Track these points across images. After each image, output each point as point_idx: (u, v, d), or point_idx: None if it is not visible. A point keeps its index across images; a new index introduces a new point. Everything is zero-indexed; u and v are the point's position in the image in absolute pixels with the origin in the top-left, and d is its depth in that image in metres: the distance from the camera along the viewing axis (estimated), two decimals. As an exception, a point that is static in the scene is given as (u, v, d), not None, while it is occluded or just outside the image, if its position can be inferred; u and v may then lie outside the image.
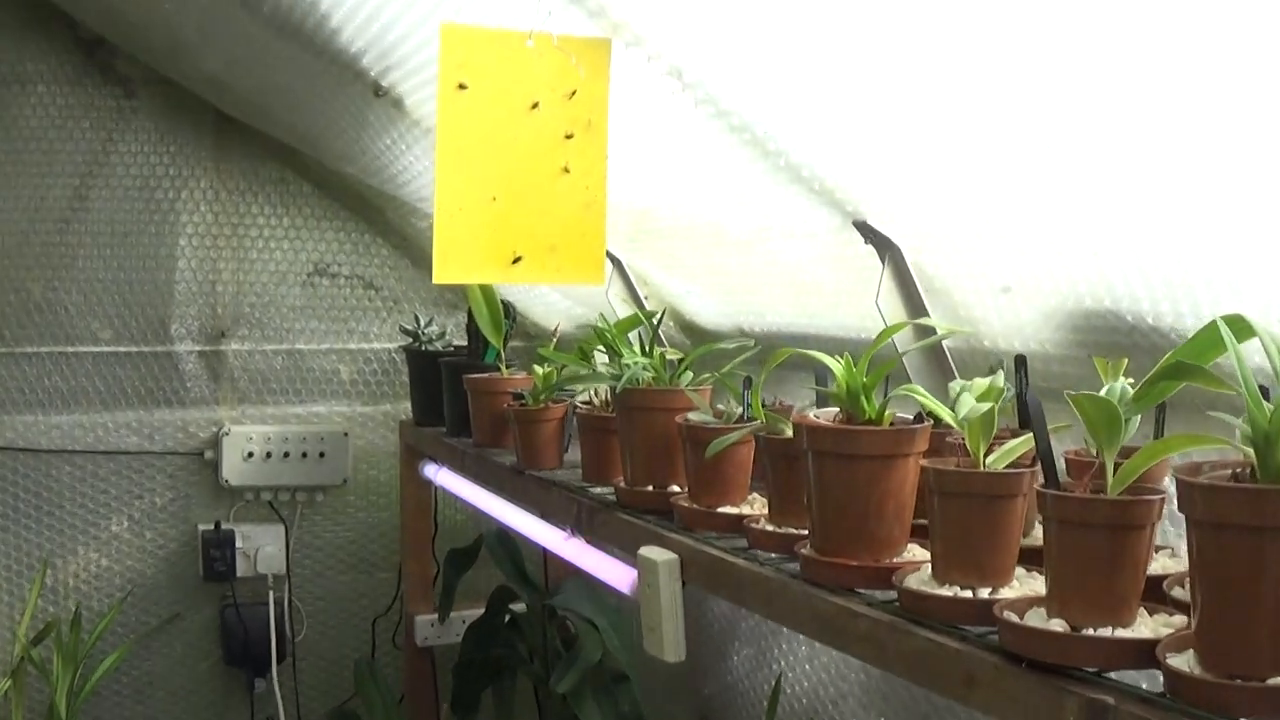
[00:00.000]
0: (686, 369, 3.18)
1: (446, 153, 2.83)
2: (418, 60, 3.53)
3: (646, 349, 3.22)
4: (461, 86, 2.83)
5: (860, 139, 2.51)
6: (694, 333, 4.16)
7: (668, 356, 3.25)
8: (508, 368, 4.22)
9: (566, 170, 2.94)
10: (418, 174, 4.53)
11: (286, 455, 5.70)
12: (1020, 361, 2.30)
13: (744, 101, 2.67)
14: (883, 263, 2.82)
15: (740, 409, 2.92)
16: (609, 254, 3.91)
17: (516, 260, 2.94)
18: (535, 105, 2.90)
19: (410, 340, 4.96)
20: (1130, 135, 1.98)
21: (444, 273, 2.86)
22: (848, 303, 3.16)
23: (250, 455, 5.65)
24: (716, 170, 3.05)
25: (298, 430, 5.74)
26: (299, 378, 5.84)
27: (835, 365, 2.41)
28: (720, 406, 2.98)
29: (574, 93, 2.89)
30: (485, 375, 4.24)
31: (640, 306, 4.15)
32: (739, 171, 2.96)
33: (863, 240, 2.82)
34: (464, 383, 4.22)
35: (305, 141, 5.40)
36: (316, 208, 5.79)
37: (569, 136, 2.93)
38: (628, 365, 3.13)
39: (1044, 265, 2.46)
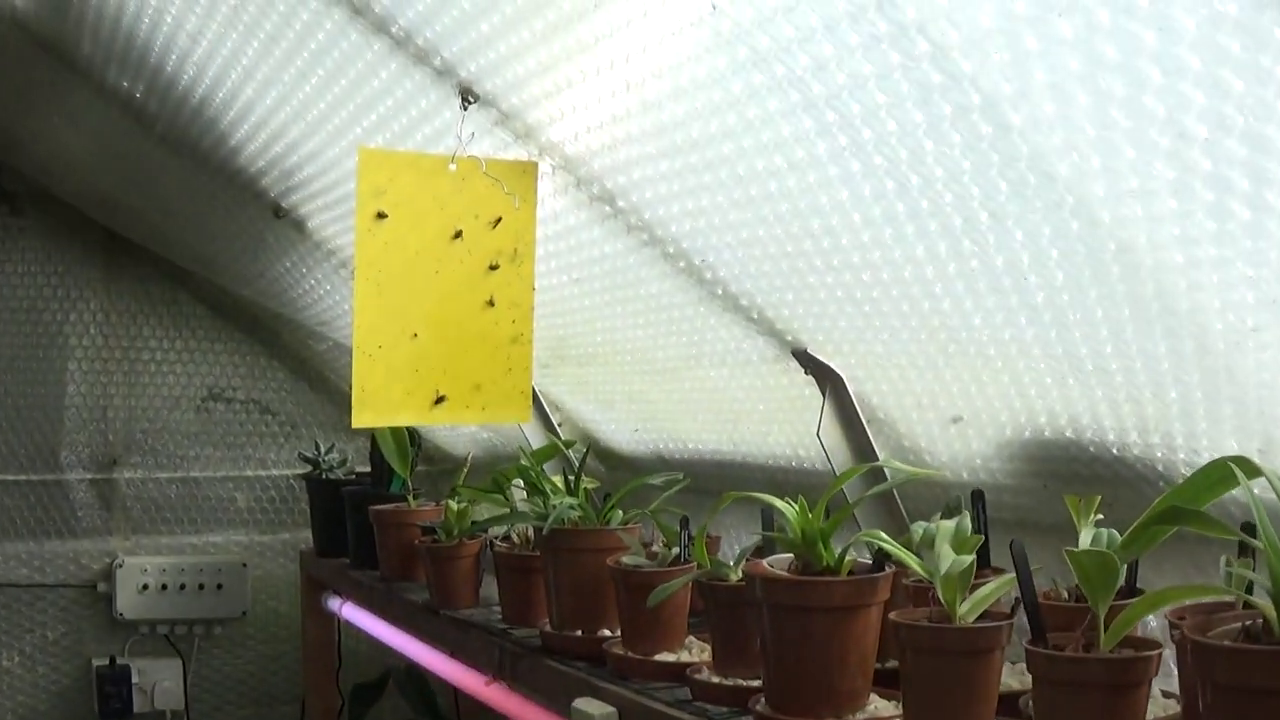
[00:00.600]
0: (614, 507, 3.06)
1: (365, 287, 2.68)
2: (322, 182, 3.44)
3: (572, 485, 3.09)
4: (380, 215, 2.68)
5: (801, 266, 2.42)
6: (610, 460, 4.05)
7: (586, 487, 3.13)
8: (415, 497, 4.06)
9: (491, 303, 2.80)
10: (319, 297, 4.43)
11: (183, 587, 5.50)
12: (978, 497, 2.22)
13: (680, 229, 2.58)
14: (823, 393, 2.72)
15: (675, 549, 2.76)
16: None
17: (439, 400, 2.79)
18: (458, 234, 2.76)
19: (310, 468, 4.77)
20: (1096, 246, 1.88)
21: (363, 415, 2.70)
22: (779, 431, 3.07)
23: (145, 587, 5.45)
24: (643, 297, 2.96)
25: (194, 561, 5.53)
26: (194, 506, 5.64)
27: (788, 509, 2.27)
28: (654, 548, 2.87)
29: (499, 220, 2.77)
30: (391, 507, 4.06)
31: (555, 434, 4.01)
32: (669, 298, 2.86)
33: (802, 370, 2.72)
34: (369, 514, 4.05)
35: (200, 263, 5.28)
36: (210, 330, 5.65)
37: (494, 267, 2.79)
38: (553, 504, 3.01)
39: (998, 393, 2.37)
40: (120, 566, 5.43)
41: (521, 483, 3.27)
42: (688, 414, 3.49)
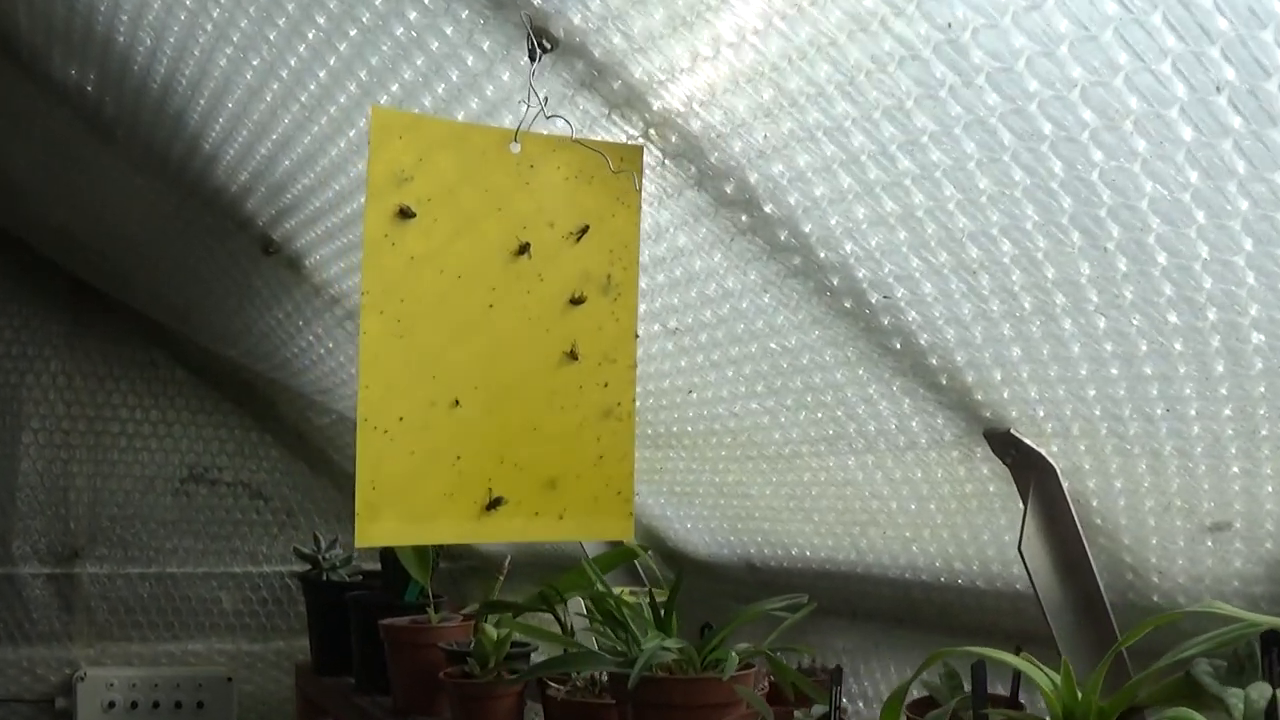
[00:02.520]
0: (719, 643, 2.44)
1: (378, 325, 1.90)
2: (322, 198, 2.96)
3: (662, 616, 2.52)
4: (404, 213, 1.90)
5: (1030, 319, 1.90)
6: (678, 563, 3.62)
7: (655, 596, 2.64)
8: (436, 609, 3.52)
9: (573, 355, 2.03)
10: (320, 357, 4.03)
11: (156, 705, 4.98)
12: (1272, 643, 1.66)
13: (859, 248, 1.95)
14: (1025, 490, 2.21)
15: (826, 710, 2.09)
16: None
17: (494, 504, 1.99)
18: (523, 249, 1.99)
19: (308, 567, 4.28)
20: None
21: (373, 527, 1.89)
22: (932, 537, 2.63)
23: (112, 705, 4.93)
24: (771, 354, 2.39)
25: (170, 674, 5.03)
26: (171, 608, 5.15)
27: (1043, 679, 1.72)
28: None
29: (584, 230, 2.01)
30: (407, 621, 3.54)
31: None
32: (812, 355, 2.31)
33: (994, 457, 2.23)
34: (379, 629, 3.53)
35: (177, 315, 4.94)
36: (192, 398, 5.24)
37: (577, 300, 2.03)
38: (639, 644, 2.41)
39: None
40: (82, 679, 4.93)
41: (583, 602, 2.80)
42: (801, 513, 2.97)
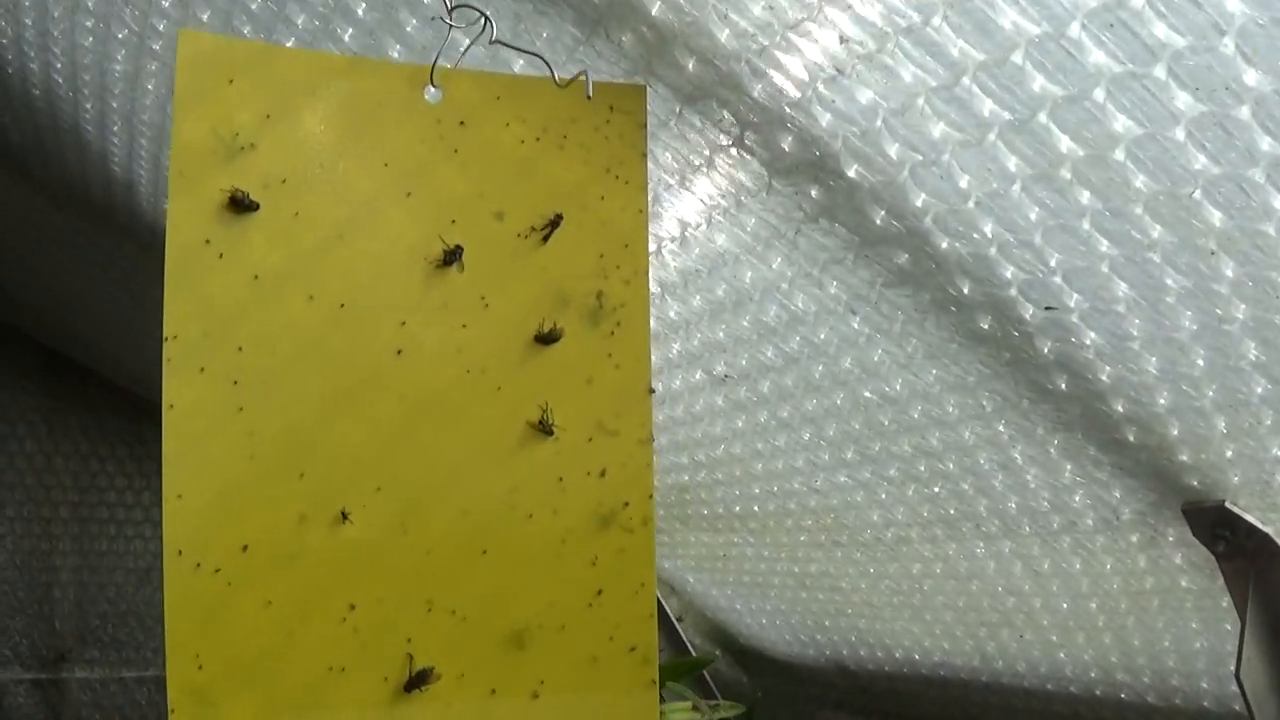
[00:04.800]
0: None
1: (195, 395, 1.23)
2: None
3: None
4: (239, 204, 1.21)
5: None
6: (755, 666, 3.20)
7: (724, 713, 2.51)
8: None
9: (544, 427, 1.34)
10: None
11: None
12: None
13: (998, 236, 1.34)
14: (1242, 585, 1.72)
15: None
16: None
17: (416, 681, 1.29)
18: (451, 256, 1.30)
19: None
20: None
21: None
22: (1087, 641, 2.18)
23: None
24: (865, 407, 1.86)
25: None
26: None
27: None
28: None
29: (555, 221, 1.33)
30: None
31: (679, 637, 3.24)
32: (930, 408, 1.76)
33: (1198, 540, 1.73)
34: None
35: (156, 386, 4.14)
36: None
37: (547, 338, 1.34)
38: None
39: None
40: None
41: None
42: (908, 610, 2.50)
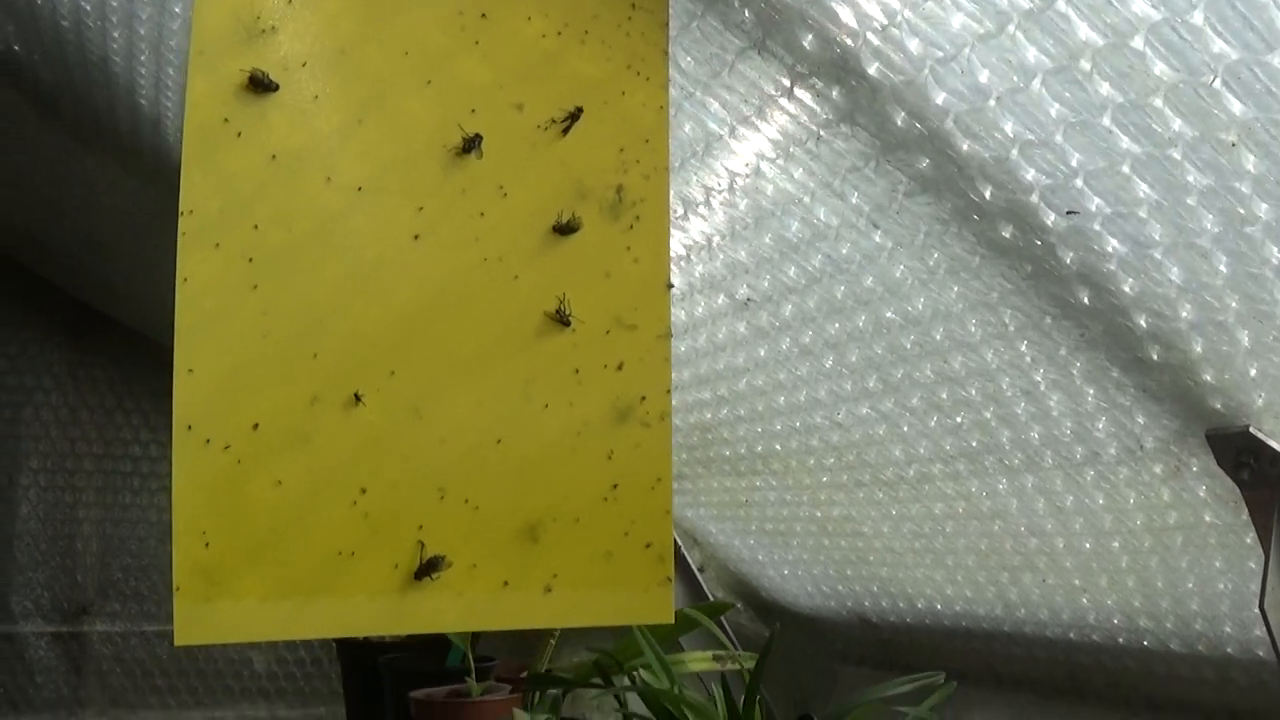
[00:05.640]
0: None
1: (210, 270, 1.23)
2: None
3: (740, 712, 1.97)
4: (258, 84, 1.23)
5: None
6: (774, 617, 3.22)
7: (743, 664, 2.39)
8: (479, 677, 2.95)
9: (561, 317, 1.35)
10: None
11: None
12: None
13: (1020, 135, 1.32)
14: (1267, 518, 1.73)
15: None
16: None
17: (427, 569, 1.29)
18: (471, 144, 1.30)
19: None
20: None
21: (200, 616, 1.21)
22: (1111, 584, 2.17)
23: None
24: (891, 328, 1.83)
25: None
26: (194, 670, 4.68)
27: None
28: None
29: (575, 114, 1.34)
30: (444, 693, 3.01)
31: (698, 585, 3.26)
32: (952, 329, 1.74)
33: (1223, 469, 1.72)
34: (410, 703, 3.05)
35: None
36: None
37: (565, 228, 1.35)
38: None
39: None
40: None
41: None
42: (930, 555, 2.53)
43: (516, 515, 1.33)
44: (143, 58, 2.45)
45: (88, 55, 2.59)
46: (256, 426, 1.24)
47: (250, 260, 1.22)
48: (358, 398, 1.26)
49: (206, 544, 1.20)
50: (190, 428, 1.22)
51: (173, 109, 2.58)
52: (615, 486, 1.38)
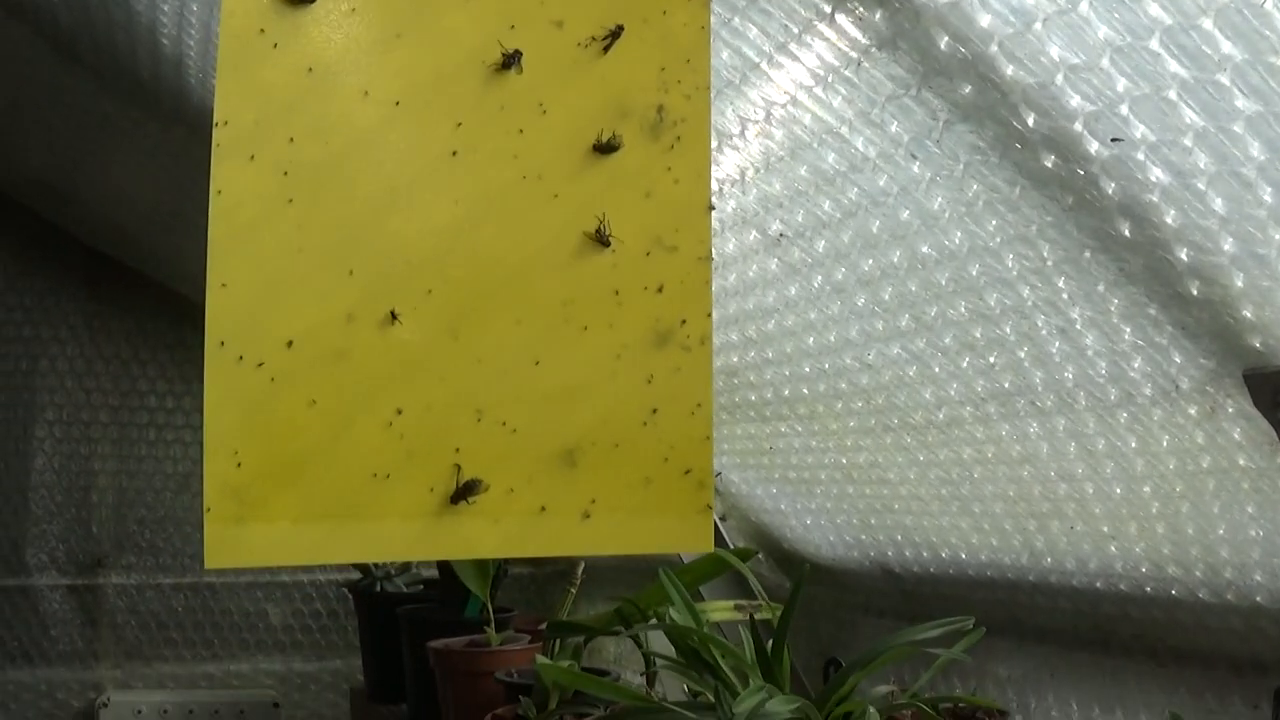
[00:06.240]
0: (850, 690, 1.86)
1: (243, 183, 1.23)
2: None
3: (768, 663, 1.92)
4: None
5: None
6: (796, 568, 3.17)
7: (760, 615, 2.36)
8: (497, 628, 2.96)
9: (601, 238, 1.35)
10: None
11: None
12: None
13: (1065, 61, 1.31)
14: None
15: None
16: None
17: (464, 493, 1.28)
18: (511, 60, 1.31)
19: (359, 575, 3.81)
20: None
21: (230, 538, 1.22)
22: (1140, 532, 2.15)
23: None
24: (925, 264, 1.82)
25: (208, 699, 4.65)
26: (209, 623, 4.72)
27: None
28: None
29: (616, 32, 1.35)
30: (462, 643, 2.98)
31: (718, 534, 3.23)
32: (986, 265, 1.73)
33: (1259, 410, 1.71)
34: (429, 652, 3.01)
35: (201, 285, 4.15)
36: None
37: (605, 147, 1.35)
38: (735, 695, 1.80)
39: None
40: (106, 705, 4.57)
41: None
42: (957, 503, 2.51)
43: (554, 439, 1.33)
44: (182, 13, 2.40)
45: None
46: (291, 344, 1.23)
47: (285, 174, 1.22)
48: (394, 316, 1.25)
49: (238, 464, 1.20)
50: (223, 344, 1.20)
51: (195, 49, 2.56)
52: (655, 411, 1.38)
